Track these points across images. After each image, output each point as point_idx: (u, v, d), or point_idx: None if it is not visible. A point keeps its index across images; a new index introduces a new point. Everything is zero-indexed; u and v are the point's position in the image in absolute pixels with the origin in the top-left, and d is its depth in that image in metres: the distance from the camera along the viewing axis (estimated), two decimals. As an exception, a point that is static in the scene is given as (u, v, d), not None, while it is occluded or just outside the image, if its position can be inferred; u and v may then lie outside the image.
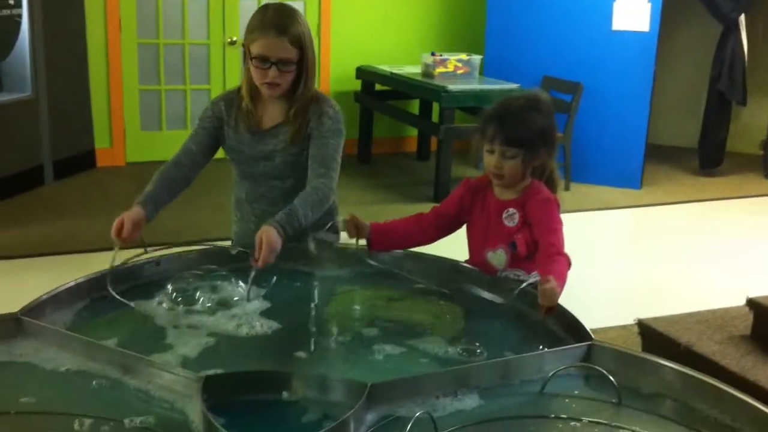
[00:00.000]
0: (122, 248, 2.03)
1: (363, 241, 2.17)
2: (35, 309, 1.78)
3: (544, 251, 2.05)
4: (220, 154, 2.40)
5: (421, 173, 6.34)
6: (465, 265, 2.18)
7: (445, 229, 2.27)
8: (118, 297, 1.93)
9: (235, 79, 6.31)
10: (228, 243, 2.57)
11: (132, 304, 1.92)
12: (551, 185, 2.19)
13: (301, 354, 1.72)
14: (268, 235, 1.97)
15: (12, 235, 4.65)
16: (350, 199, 5.22)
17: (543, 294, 1.80)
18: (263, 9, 2.23)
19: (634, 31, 5.94)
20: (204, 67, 6.44)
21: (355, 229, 2.15)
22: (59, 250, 4.44)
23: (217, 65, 6.43)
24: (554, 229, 2.06)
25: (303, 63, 2.22)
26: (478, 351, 1.76)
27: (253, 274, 1.95)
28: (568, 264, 2.01)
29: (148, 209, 2.13)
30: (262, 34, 2.17)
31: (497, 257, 2.15)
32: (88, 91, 6.01)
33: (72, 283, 1.91)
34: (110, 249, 2.03)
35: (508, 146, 2.08)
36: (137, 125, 6.33)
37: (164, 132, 6.37)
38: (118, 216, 2.08)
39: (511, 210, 2.12)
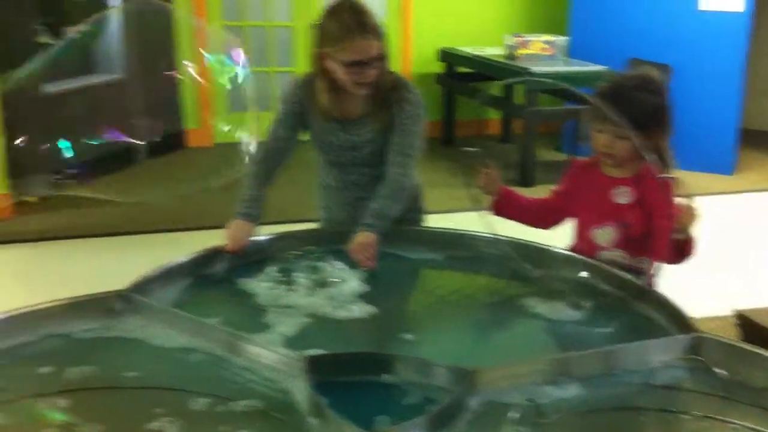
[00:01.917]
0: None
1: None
2: (142, 286, 1.83)
3: (659, 236, 2.02)
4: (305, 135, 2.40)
5: (504, 156, 6.26)
6: (564, 251, 2.15)
7: (561, 210, 2.25)
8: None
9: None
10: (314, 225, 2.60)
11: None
12: (663, 167, 2.14)
13: (404, 337, 1.72)
14: (358, 241, 2.04)
15: (110, 213, 4.82)
16: (434, 181, 5.18)
17: (687, 209, 1.88)
18: (336, 14, 2.16)
19: (725, 11, 5.74)
20: (288, 49, 6.50)
21: (488, 181, 2.16)
22: (157, 229, 4.56)
23: (301, 47, 6.47)
24: (671, 215, 2.00)
25: (384, 54, 2.21)
26: (575, 340, 1.73)
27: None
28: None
29: (257, 220, 2.19)
30: (352, 41, 2.12)
31: (604, 234, 2.11)
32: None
33: (178, 262, 1.96)
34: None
35: (619, 126, 2.04)
36: (228, 107, 6.44)
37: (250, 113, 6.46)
38: (230, 227, 2.14)
39: (623, 188, 2.09)
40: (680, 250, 1.94)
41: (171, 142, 6.10)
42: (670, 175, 1.99)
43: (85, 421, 1.35)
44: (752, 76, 5.92)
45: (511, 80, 5.67)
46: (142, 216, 4.75)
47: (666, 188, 2.05)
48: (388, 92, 2.27)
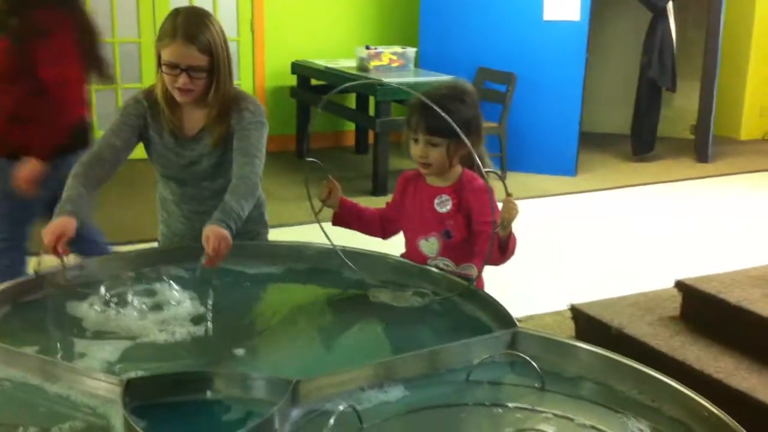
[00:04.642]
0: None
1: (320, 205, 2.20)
2: (-48, 318, 1.74)
3: (481, 239, 2.09)
4: (141, 154, 2.36)
5: (359, 166, 6.34)
6: (396, 258, 2.20)
7: (396, 220, 2.30)
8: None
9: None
10: (155, 244, 2.55)
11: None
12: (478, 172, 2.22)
13: (231, 353, 1.70)
14: (216, 230, 1.96)
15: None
16: (289, 195, 5.20)
17: (507, 205, 1.92)
18: (174, 14, 2.18)
19: (566, 21, 6.03)
20: (136, 65, 6.35)
21: (329, 193, 2.18)
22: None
23: (149, 63, 6.34)
24: (489, 221, 2.07)
25: (214, 69, 2.19)
26: (406, 343, 1.77)
27: (201, 263, 1.94)
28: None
29: (80, 219, 2.04)
30: (172, 41, 2.12)
31: (429, 245, 2.17)
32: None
33: (-6, 289, 1.87)
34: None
35: (431, 135, 2.11)
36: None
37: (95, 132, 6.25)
38: (50, 224, 1.97)
39: (444, 196, 2.15)
40: (503, 248, 2.02)
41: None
42: (493, 170, 2.04)
43: None
44: (587, 81, 6.24)
45: (341, 87, 5.76)
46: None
47: (484, 193, 2.13)
48: (227, 107, 2.25)
